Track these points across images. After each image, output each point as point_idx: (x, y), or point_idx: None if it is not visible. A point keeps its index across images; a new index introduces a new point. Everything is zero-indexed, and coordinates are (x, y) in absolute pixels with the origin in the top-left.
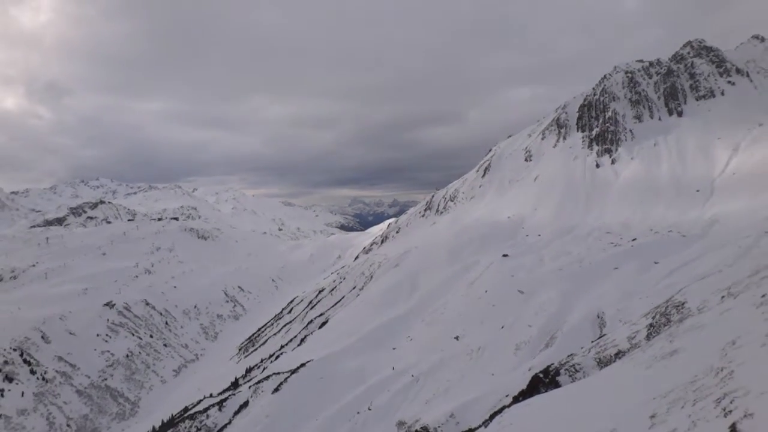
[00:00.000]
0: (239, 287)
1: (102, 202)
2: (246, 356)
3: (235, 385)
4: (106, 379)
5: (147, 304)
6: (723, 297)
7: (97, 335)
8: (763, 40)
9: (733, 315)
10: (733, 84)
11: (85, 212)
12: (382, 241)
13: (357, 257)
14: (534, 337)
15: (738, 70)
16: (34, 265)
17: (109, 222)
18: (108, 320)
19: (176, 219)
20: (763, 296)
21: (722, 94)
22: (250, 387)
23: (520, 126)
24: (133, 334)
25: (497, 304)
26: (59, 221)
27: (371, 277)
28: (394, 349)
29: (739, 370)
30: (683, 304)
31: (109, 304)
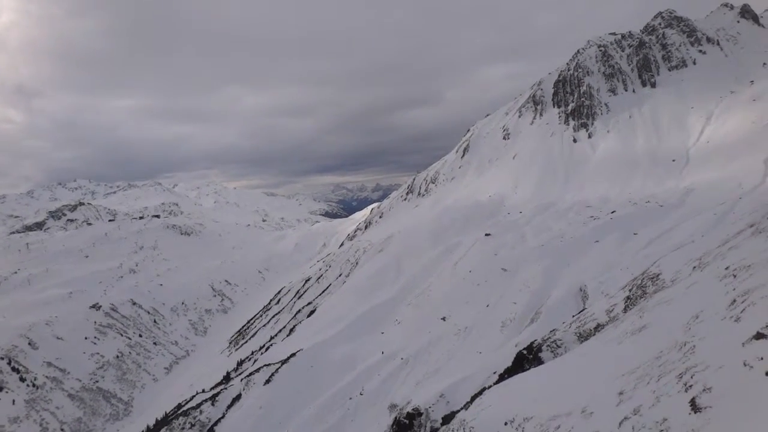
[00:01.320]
0: (226, 281)
1: (81, 203)
2: (237, 349)
3: (227, 378)
4: (97, 381)
5: (134, 303)
6: (694, 268)
7: (86, 338)
8: (732, 7)
9: (699, 288)
10: (705, 53)
11: (64, 215)
12: (366, 227)
13: (342, 244)
14: (519, 313)
15: (709, 39)
16: (15, 272)
17: (89, 223)
18: (95, 322)
19: (158, 216)
20: (727, 268)
21: (694, 63)
22: (242, 380)
23: (499, 104)
24: (121, 335)
25: (482, 283)
26: (39, 225)
27: (356, 263)
28: (382, 333)
29: (700, 345)
30: (658, 275)
31: (96, 306)
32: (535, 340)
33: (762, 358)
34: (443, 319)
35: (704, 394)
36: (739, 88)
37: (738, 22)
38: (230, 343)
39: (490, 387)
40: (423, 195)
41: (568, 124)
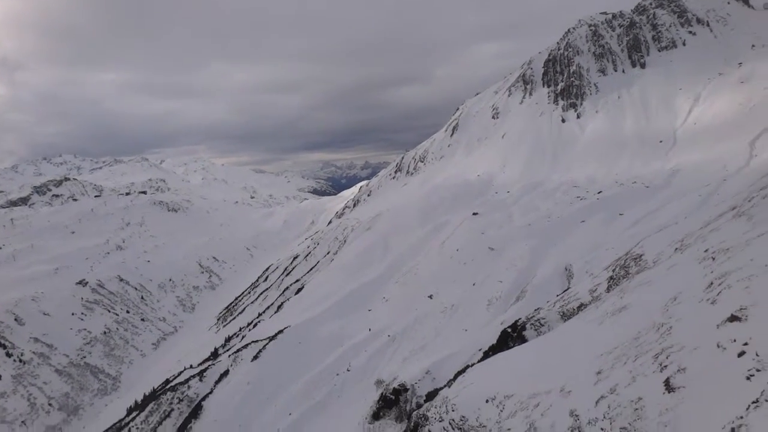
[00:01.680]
0: (214, 258)
1: (67, 179)
2: (225, 326)
3: (214, 354)
4: (84, 357)
5: (121, 280)
6: (676, 249)
7: (72, 314)
8: None
9: (679, 270)
10: (694, 34)
11: (49, 190)
12: (354, 205)
13: (330, 222)
14: (505, 292)
15: (699, 20)
16: (0, 248)
17: (75, 199)
18: (82, 299)
19: (144, 192)
20: (706, 251)
21: (684, 44)
22: (229, 356)
23: (489, 83)
24: (109, 311)
25: (469, 261)
26: (23, 201)
27: (344, 241)
28: (369, 311)
29: (677, 326)
30: (641, 256)
31: (82, 283)
32: (520, 319)
33: (735, 340)
34: (430, 297)
35: (678, 375)
36: (727, 69)
37: (728, 3)
38: (218, 319)
39: (474, 364)
40: (412, 173)
41: (558, 104)
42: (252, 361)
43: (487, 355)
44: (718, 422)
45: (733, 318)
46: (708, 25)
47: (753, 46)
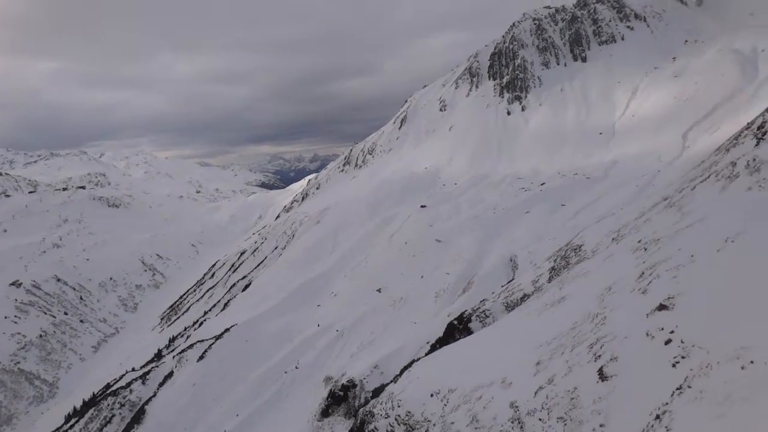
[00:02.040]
0: (157, 255)
1: None
2: (169, 325)
3: (158, 356)
4: (18, 363)
5: (58, 280)
6: (612, 239)
7: (5, 317)
8: None
9: (614, 260)
10: (632, 29)
11: None
12: (303, 199)
13: (278, 216)
14: (452, 283)
15: (636, 15)
16: None
17: (8, 195)
18: (16, 300)
19: (83, 188)
20: (639, 241)
21: (622, 38)
22: (174, 357)
23: (438, 75)
24: (45, 313)
25: (417, 254)
26: None
27: (293, 235)
28: (318, 306)
29: (611, 316)
30: (580, 247)
31: (16, 284)
32: (466, 311)
33: (663, 329)
34: (379, 290)
35: (611, 363)
36: (662, 63)
37: None
38: (162, 319)
39: (420, 358)
40: (360, 166)
41: (503, 97)
42: (198, 361)
43: (434, 348)
44: (647, 409)
45: (662, 307)
46: (645, 20)
47: (686, 41)
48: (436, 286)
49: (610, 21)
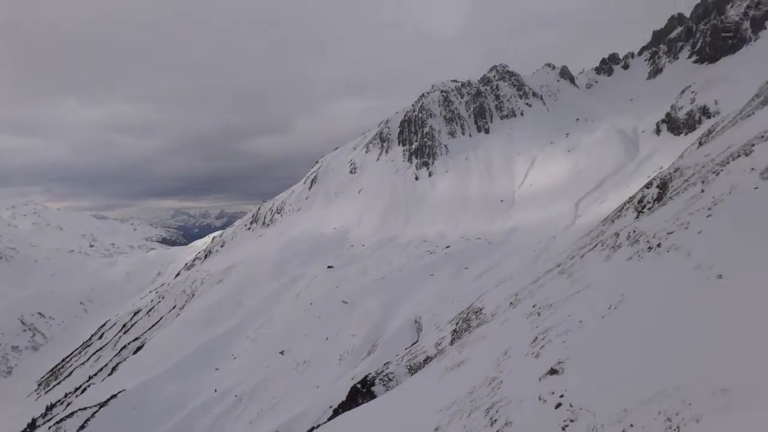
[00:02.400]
0: (39, 313)
1: None
2: (47, 392)
3: (32, 426)
4: None
5: None
6: (510, 303)
7: None
8: (554, 68)
9: (510, 324)
10: (530, 106)
11: None
12: (206, 256)
13: (178, 274)
14: (357, 346)
15: (534, 94)
16: None
17: None
18: None
19: None
20: (534, 306)
21: (522, 114)
22: (50, 427)
23: (350, 137)
24: None
25: (322, 315)
26: None
27: (193, 294)
28: (217, 369)
29: (507, 380)
30: (481, 310)
31: None
32: (370, 374)
33: (553, 392)
34: (282, 353)
35: (506, 428)
36: (557, 139)
37: (558, 81)
38: (39, 384)
39: (321, 425)
40: (268, 225)
41: (411, 162)
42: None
43: (336, 412)
44: None
45: (552, 371)
46: (542, 98)
47: (577, 119)
48: (341, 348)
49: (511, 97)
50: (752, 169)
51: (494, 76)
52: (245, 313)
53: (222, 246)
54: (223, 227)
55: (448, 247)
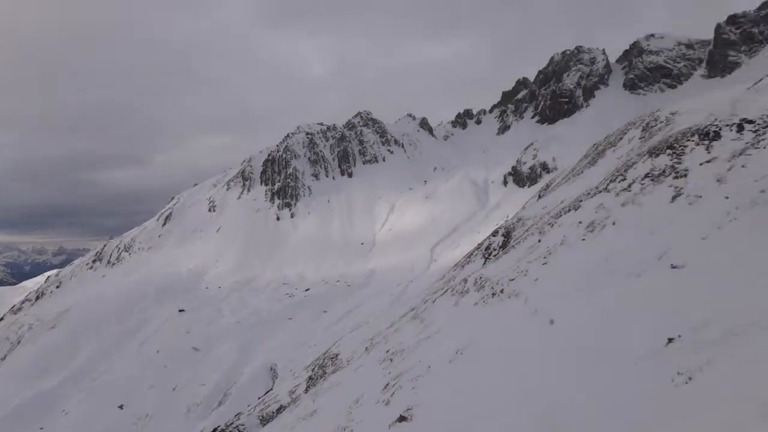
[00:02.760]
0: None
1: None
2: None
3: None
4: None
5: None
6: (366, 349)
7: None
8: (414, 118)
9: (364, 371)
10: (392, 152)
11: None
12: (38, 298)
13: (2, 318)
14: (207, 396)
15: (396, 141)
16: None
17: None
18: None
19: None
20: (387, 351)
21: (384, 160)
22: None
23: (211, 174)
24: None
25: (170, 363)
26: None
27: (18, 342)
28: (41, 429)
29: (357, 429)
30: (337, 355)
31: None
32: (219, 426)
33: None
34: (121, 407)
35: None
36: (416, 185)
37: (418, 131)
38: None
39: None
40: (114, 264)
41: (274, 203)
42: None
43: None
44: None
45: (402, 418)
46: (403, 146)
47: (435, 168)
48: (189, 399)
49: (374, 143)
50: (579, 222)
51: (359, 122)
52: (81, 363)
53: (58, 286)
54: (61, 265)
55: (307, 289)
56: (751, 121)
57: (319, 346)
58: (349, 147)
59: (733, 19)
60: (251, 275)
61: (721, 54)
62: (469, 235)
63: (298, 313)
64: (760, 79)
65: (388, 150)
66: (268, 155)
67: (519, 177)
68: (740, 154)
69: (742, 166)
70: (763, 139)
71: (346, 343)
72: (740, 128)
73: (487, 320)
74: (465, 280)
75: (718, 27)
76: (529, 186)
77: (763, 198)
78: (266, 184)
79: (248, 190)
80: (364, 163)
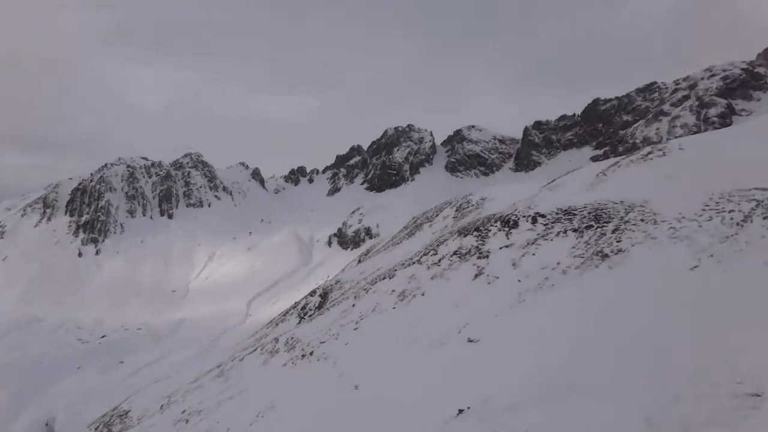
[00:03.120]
0: None
1: None
2: None
3: None
4: None
5: None
6: (162, 406)
7: None
8: (247, 167)
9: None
10: (219, 199)
11: None
12: None
13: None
14: None
15: (225, 188)
16: None
17: None
18: None
19: None
20: (183, 411)
21: (209, 205)
22: None
23: (5, 197)
24: None
25: None
26: None
27: None
28: None
29: None
30: (127, 413)
31: None
32: None
33: None
34: None
35: None
36: (240, 235)
37: (249, 180)
38: None
39: None
40: None
41: (78, 236)
42: None
43: None
44: None
45: None
46: (231, 194)
47: (262, 220)
48: None
49: (201, 187)
50: (393, 290)
51: (188, 163)
52: None
53: None
54: None
55: (103, 336)
56: (543, 215)
57: (109, 399)
58: (174, 187)
59: (538, 125)
60: (40, 314)
61: (526, 152)
62: (289, 292)
63: (90, 362)
64: (553, 180)
65: (216, 196)
66: (79, 183)
67: (343, 239)
68: (532, 243)
69: (533, 254)
70: (551, 232)
71: (140, 398)
72: (534, 220)
73: (293, 382)
74: (276, 339)
75: (526, 129)
76: (352, 249)
77: (547, 283)
78: (72, 215)
79: (49, 219)
80: (187, 206)
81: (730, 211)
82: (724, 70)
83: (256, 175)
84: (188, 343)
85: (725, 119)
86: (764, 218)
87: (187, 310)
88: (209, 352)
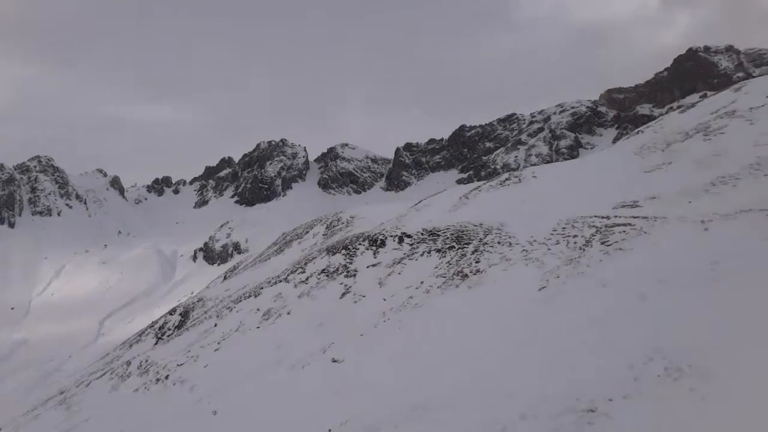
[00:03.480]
0: None
1: None
2: None
3: None
4: None
5: None
6: None
7: None
8: (105, 175)
9: None
10: (71, 207)
11: None
12: None
13: None
14: None
15: (78, 196)
16: None
17: None
18: None
19: None
20: None
21: (59, 214)
22: None
23: None
24: None
25: None
26: None
27: None
28: None
29: None
30: None
31: None
32: None
33: None
34: None
35: None
36: (94, 248)
37: (108, 189)
38: None
39: None
40: None
41: None
42: None
43: None
44: None
45: None
46: (86, 203)
47: (120, 232)
48: None
49: (50, 193)
50: (258, 309)
51: (35, 166)
52: None
53: None
54: None
55: None
56: (409, 235)
57: None
58: (18, 193)
59: (409, 147)
60: None
61: (397, 173)
62: (148, 309)
63: None
64: (420, 201)
65: (67, 204)
66: None
67: (210, 254)
68: (399, 262)
69: (399, 273)
70: (416, 252)
71: None
72: (401, 240)
73: (146, 410)
74: (129, 363)
75: (398, 150)
76: (219, 264)
77: (411, 302)
78: None
79: None
80: (33, 214)
81: (573, 236)
82: (573, 107)
83: (115, 183)
84: (28, 366)
85: (573, 150)
86: (602, 243)
87: (28, 330)
88: (51, 378)
